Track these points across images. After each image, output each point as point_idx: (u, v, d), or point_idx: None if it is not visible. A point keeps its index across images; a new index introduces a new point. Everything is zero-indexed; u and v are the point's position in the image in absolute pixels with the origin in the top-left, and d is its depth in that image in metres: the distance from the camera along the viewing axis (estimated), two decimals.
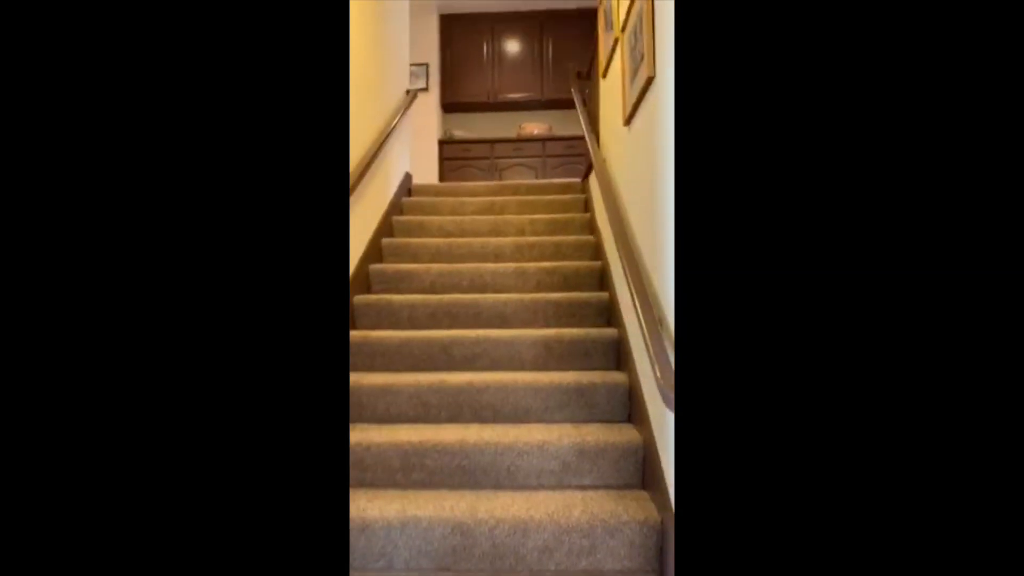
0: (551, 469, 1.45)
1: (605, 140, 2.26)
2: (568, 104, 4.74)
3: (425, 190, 3.16)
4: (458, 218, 2.69)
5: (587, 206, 2.82)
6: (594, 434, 1.49)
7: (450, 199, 2.92)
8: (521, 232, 2.67)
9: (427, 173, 4.50)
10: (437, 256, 2.49)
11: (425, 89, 4.54)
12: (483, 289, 2.27)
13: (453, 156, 4.55)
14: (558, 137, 4.48)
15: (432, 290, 2.28)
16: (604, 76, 2.23)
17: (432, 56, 4.56)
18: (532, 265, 2.26)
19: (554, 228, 2.66)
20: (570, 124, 4.88)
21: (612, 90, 2.03)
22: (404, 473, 1.46)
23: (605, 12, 2.13)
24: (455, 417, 1.66)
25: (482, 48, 4.69)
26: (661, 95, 1.26)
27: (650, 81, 1.32)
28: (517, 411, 1.65)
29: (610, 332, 1.85)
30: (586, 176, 2.91)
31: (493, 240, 2.48)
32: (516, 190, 3.11)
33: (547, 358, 1.84)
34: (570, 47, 4.64)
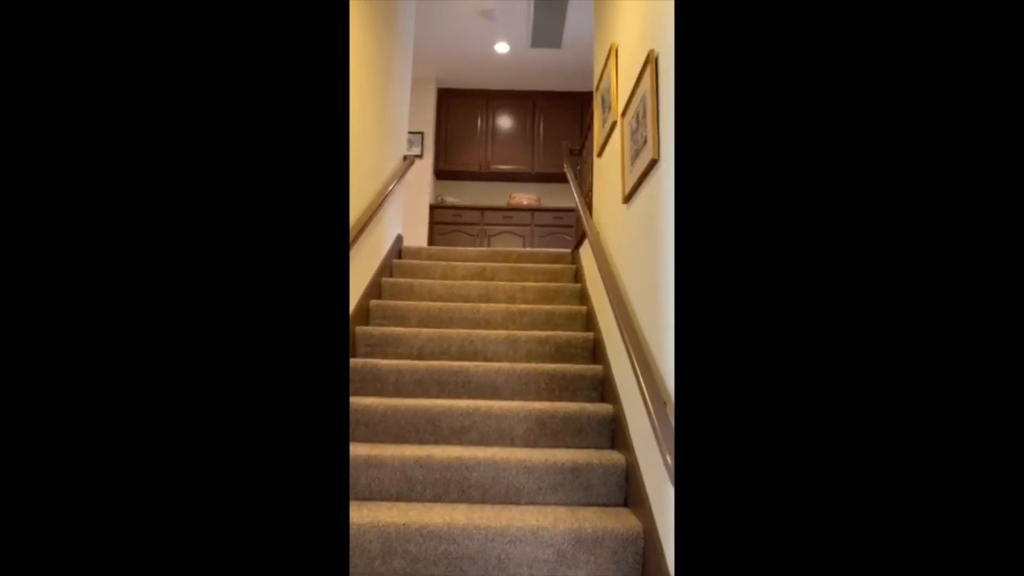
0: (545, 559, 1.35)
1: (599, 214, 2.34)
2: (556, 178, 4.96)
3: (416, 253, 3.18)
4: (448, 282, 2.69)
5: (577, 276, 2.87)
6: (591, 519, 1.41)
7: (441, 263, 2.94)
8: (512, 299, 2.67)
9: (417, 236, 4.56)
10: (427, 320, 2.45)
11: (419, 156, 4.71)
12: (473, 356, 2.22)
13: (443, 221, 4.64)
14: (546, 208, 4.64)
15: (420, 355, 2.23)
16: (600, 155, 2.34)
17: (428, 125, 4.78)
18: (524, 333, 2.25)
19: (545, 296, 2.68)
20: (558, 197, 5.08)
21: (608, 168, 2.13)
22: (384, 560, 1.34)
23: (603, 95, 2.28)
24: (441, 495, 1.56)
25: (476, 121, 4.94)
26: (664, 179, 1.32)
27: (654, 164, 1.39)
28: (508, 491, 1.56)
29: (605, 408, 1.81)
30: (577, 246, 2.99)
31: (484, 306, 2.47)
32: (507, 257, 3.16)
33: (539, 434, 1.78)
34: (561, 126, 4.92)
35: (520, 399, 1.99)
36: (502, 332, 2.25)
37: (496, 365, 2.02)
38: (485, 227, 4.62)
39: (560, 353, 2.23)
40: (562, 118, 4.94)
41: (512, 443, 1.77)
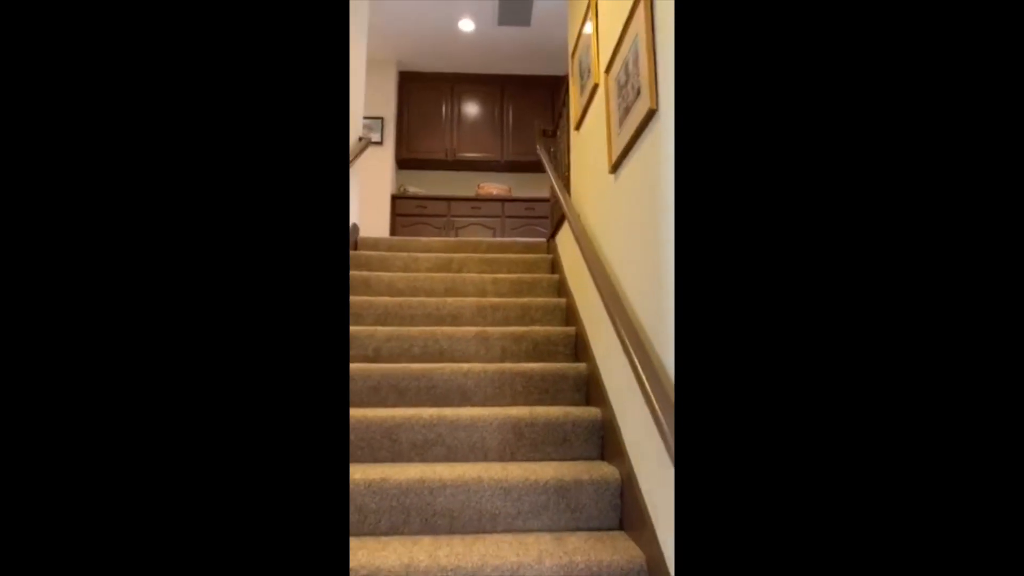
0: None
1: (579, 194, 2.10)
2: (528, 167, 4.72)
3: (374, 244, 2.88)
4: (411, 275, 2.41)
5: (555, 266, 2.63)
6: (583, 550, 1.16)
7: (402, 254, 2.65)
8: (483, 292, 2.41)
9: (377, 229, 4.24)
10: (384, 318, 2.16)
11: (379, 143, 4.39)
12: (438, 357, 1.95)
13: (407, 212, 4.33)
14: (518, 198, 4.40)
15: (376, 358, 1.94)
16: (578, 128, 2.11)
17: (388, 111, 4.46)
18: (496, 330, 1.99)
19: (519, 289, 2.42)
20: (530, 186, 4.84)
21: (590, 140, 1.90)
22: None
23: (580, 60, 2.05)
24: (400, 526, 1.28)
25: (440, 107, 4.65)
26: (664, 133, 1.09)
27: (651, 115, 1.16)
28: (482, 518, 1.30)
29: (592, 412, 1.57)
30: (553, 234, 2.75)
31: (451, 300, 2.20)
32: (476, 247, 2.89)
33: (517, 445, 1.52)
34: (531, 112, 4.69)
35: (493, 405, 1.73)
36: (471, 329, 1.98)
37: (465, 366, 1.75)
38: (452, 219, 4.34)
39: (538, 351, 1.98)
40: (533, 104, 4.70)
41: (485, 457, 1.51)
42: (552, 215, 2.95)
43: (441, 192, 4.75)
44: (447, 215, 4.34)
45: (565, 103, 2.64)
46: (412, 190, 4.49)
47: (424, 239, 2.90)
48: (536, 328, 2.02)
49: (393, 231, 4.31)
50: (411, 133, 4.59)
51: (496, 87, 4.73)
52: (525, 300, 2.22)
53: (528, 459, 1.52)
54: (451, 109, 4.66)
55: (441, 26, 4.12)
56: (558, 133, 2.98)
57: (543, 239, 2.97)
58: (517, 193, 4.78)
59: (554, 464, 1.44)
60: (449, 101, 4.68)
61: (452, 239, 2.90)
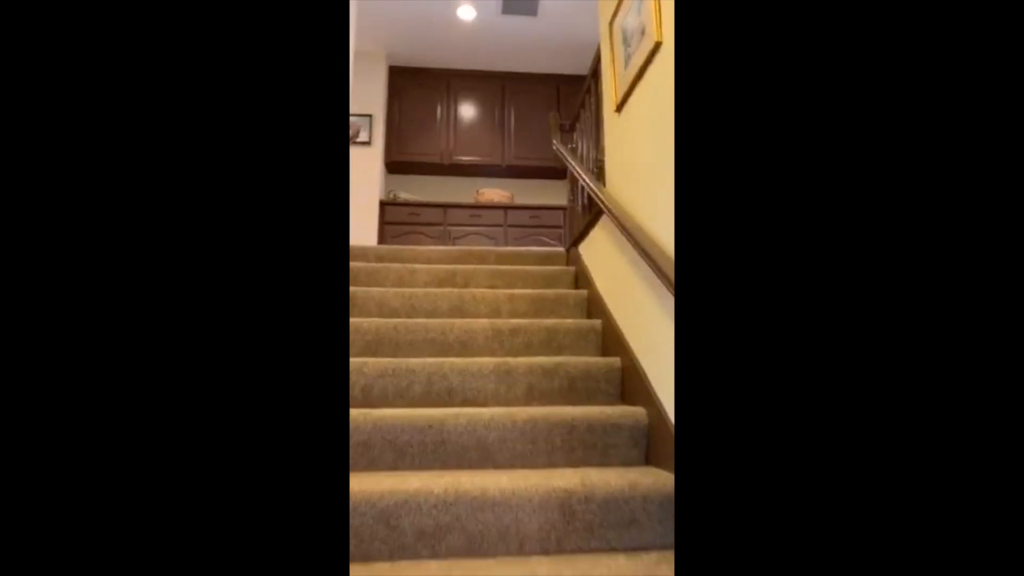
0: None
1: (621, 190, 1.71)
2: (532, 173, 4.36)
3: (361, 253, 2.45)
4: (407, 291, 1.99)
5: (579, 280, 2.23)
6: None
7: (395, 265, 2.23)
8: (496, 311, 1.99)
9: (363, 238, 3.81)
10: (375, 345, 1.73)
11: (367, 143, 3.98)
12: (447, 399, 1.52)
13: (397, 220, 3.91)
14: (521, 206, 4.01)
15: (366, 401, 1.50)
16: (619, 109, 1.73)
17: (377, 108, 4.06)
18: (520, 361, 1.57)
19: (541, 307, 2.01)
20: (535, 193, 4.46)
21: (640, 122, 1.51)
22: None
23: (622, 29, 1.68)
24: None
25: (436, 106, 4.28)
26: None
27: None
28: None
29: (661, 478, 1.16)
30: (575, 244, 2.35)
31: (459, 323, 1.77)
32: (483, 258, 2.48)
33: (566, 531, 1.09)
34: (535, 113, 4.33)
35: (526, 465, 1.30)
36: (488, 361, 1.56)
37: (485, 413, 1.33)
38: (449, 227, 3.93)
39: (575, 389, 1.56)
40: (536, 104, 4.35)
41: (521, 550, 1.08)
42: (570, 222, 2.56)
43: (436, 198, 4.34)
44: (443, 223, 3.93)
45: (590, 90, 2.27)
46: (403, 196, 4.08)
47: (422, 248, 2.48)
48: (569, 359, 1.61)
49: (381, 241, 3.88)
50: (402, 134, 4.19)
51: (496, 85, 4.38)
52: (551, 322, 1.81)
53: (584, 550, 1.09)
54: (447, 108, 4.29)
55: (437, 14, 3.76)
56: (577, 127, 2.60)
57: (560, 248, 2.56)
58: (520, 200, 4.40)
59: (623, 559, 1.01)
60: (445, 100, 4.31)
61: (455, 248, 2.49)
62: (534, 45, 4.11)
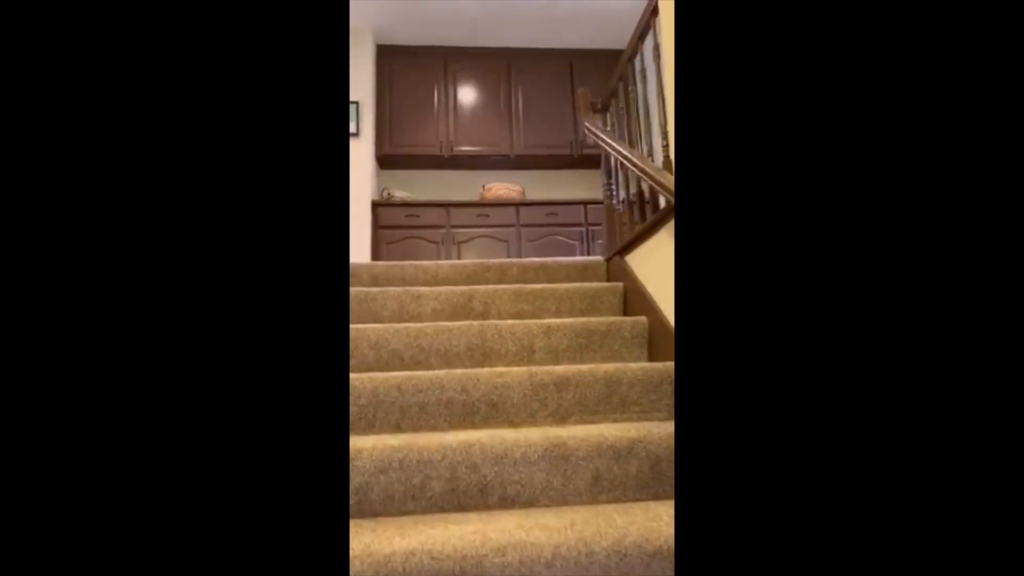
0: None
1: None
2: (545, 163, 3.89)
3: (354, 275, 2.00)
4: (412, 327, 1.54)
5: (630, 301, 1.78)
6: None
7: (395, 290, 1.77)
8: (530, 351, 1.54)
9: (354, 249, 3.35)
10: (372, 412, 1.28)
11: (355, 135, 3.51)
12: (479, 501, 1.07)
13: (393, 223, 3.45)
14: (536, 202, 3.55)
15: (361, 507, 1.05)
16: None
17: (365, 95, 3.59)
18: (577, 435, 1.12)
19: (588, 342, 1.56)
20: (549, 186, 4.00)
21: None
22: None
23: None
24: None
25: (432, 90, 3.81)
26: None
27: None
28: None
29: None
30: (619, 253, 1.90)
31: (484, 373, 1.32)
32: (504, 272, 2.03)
33: None
34: (545, 94, 3.86)
35: None
36: (533, 436, 1.11)
37: (542, 540, 0.88)
38: (453, 230, 3.47)
39: (662, 478, 1.12)
40: (547, 85, 3.88)
41: None
42: (609, 225, 2.10)
43: (437, 196, 3.88)
44: (446, 226, 3.48)
45: (636, 56, 1.80)
46: (399, 195, 3.61)
47: (426, 264, 2.02)
48: (645, 427, 1.16)
49: (375, 249, 3.43)
50: (395, 123, 3.72)
51: (501, 63, 3.90)
52: (609, 368, 1.36)
53: None
54: (445, 92, 3.81)
55: None
56: (614, 105, 2.14)
57: (596, 257, 2.12)
58: (533, 194, 3.94)
59: None
60: (443, 82, 3.83)
61: (468, 263, 2.03)
62: (542, 15, 3.63)
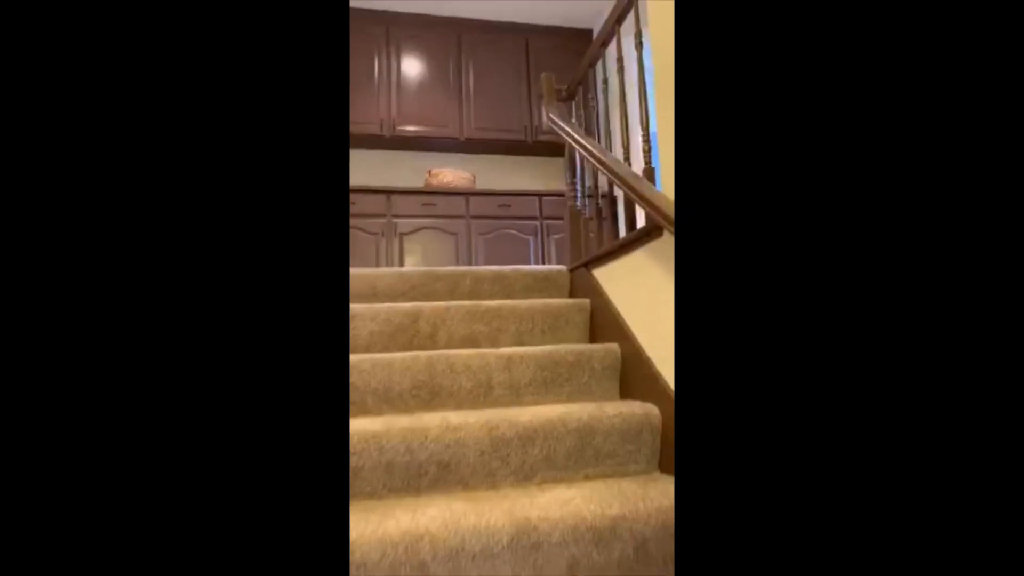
0: None
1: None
2: (498, 147, 3.63)
3: None
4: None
5: (599, 324, 1.59)
6: None
7: None
8: (487, 389, 1.33)
9: None
10: None
11: None
12: None
13: None
14: (488, 192, 3.30)
15: None
16: None
17: None
18: (550, 514, 0.93)
19: (554, 377, 1.37)
20: (502, 173, 3.75)
21: None
22: None
23: None
24: None
25: (371, 60, 3.43)
26: None
27: None
28: None
29: None
30: (586, 265, 1.71)
31: (433, 422, 1.10)
32: (456, 283, 1.79)
33: None
34: (499, 71, 3.58)
35: None
36: (494, 512, 0.91)
37: None
38: (395, 220, 3.17)
39: (649, 560, 0.94)
40: (502, 61, 3.60)
41: None
42: (574, 230, 1.91)
43: (376, 181, 3.55)
44: (387, 215, 3.17)
45: (612, 40, 1.59)
46: None
47: (363, 273, 1.75)
48: (631, 502, 0.99)
49: None
50: None
51: (451, 34, 3.58)
52: (582, 414, 1.17)
53: None
54: (387, 64, 3.45)
55: None
56: (580, 93, 1.92)
57: (558, 266, 1.92)
58: (484, 182, 3.69)
59: None
60: (384, 52, 3.46)
61: (413, 272, 1.78)
62: None
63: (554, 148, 3.62)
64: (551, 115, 1.83)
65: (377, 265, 3.08)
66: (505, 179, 3.74)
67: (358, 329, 1.49)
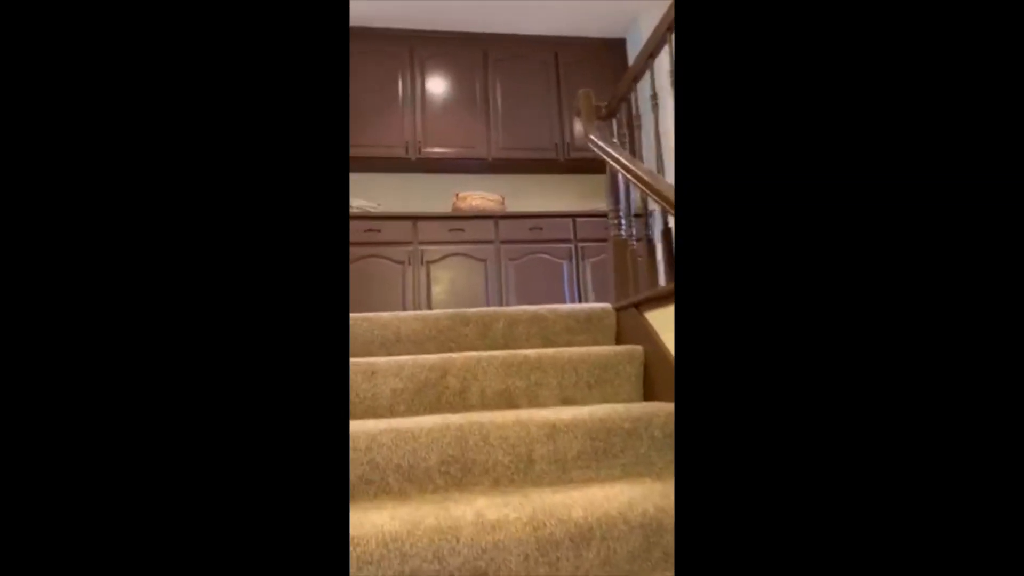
0: None
1: None
2: (527, 167, 3.48)
3: None
4: (362, 432, 1.11)
5: (650, 374, 1.38)
6: None
7: None
8: (527, 465, 1.14)
9: None
10: None
11: None
12: None
13: (351, 241, 2.98)
14: (518, 214, 3.13)
15: None
16: None
17: None
18: None
19: (607, 448, 1.17)
20: (531, 194, 3.59)
21: None
22: None
23: None
24: None
25: (396, 80, 3.33)
26: None
27: None
28: None
29: None
30: (637, 306, 1.50)
31: (464, 531, 0.91)
32: (487, 327, 1.61)
33: None
34: (527, 89, 3.44)
35: None
36: None
37: None
38: (421, 247, 3.02)
39: None
40: (530, 76, 3.46)
41: None
42: (619, 263, 1.71)
43: (402, 206, 3.43)
44: (413, 242, 3.03)
45: (663, 49, 1.40)
46: (357, 204, 3.14)
47: (384, 318, 1.59)
48: None
49: None
50: (353, 118, 3.24)
51: (477, 50, 3.45)
52: (648, 510, 0.96)
53: None
54: (412, 82, 3.35)
55: None
56: (623, 109, 1.74)
57: (602, 305, 1.72)
58: (514, 204, 3.53)
59: None
60: (408, 70, 3.36)
61: (439, 315, 1.61)
62: None
63: (587, 165, 3.44)
64: (592, 136, 1.65)
65: (403, 295, 2.94)
66: (536, 200, 3.57)
67: (379, 387, 1.32)
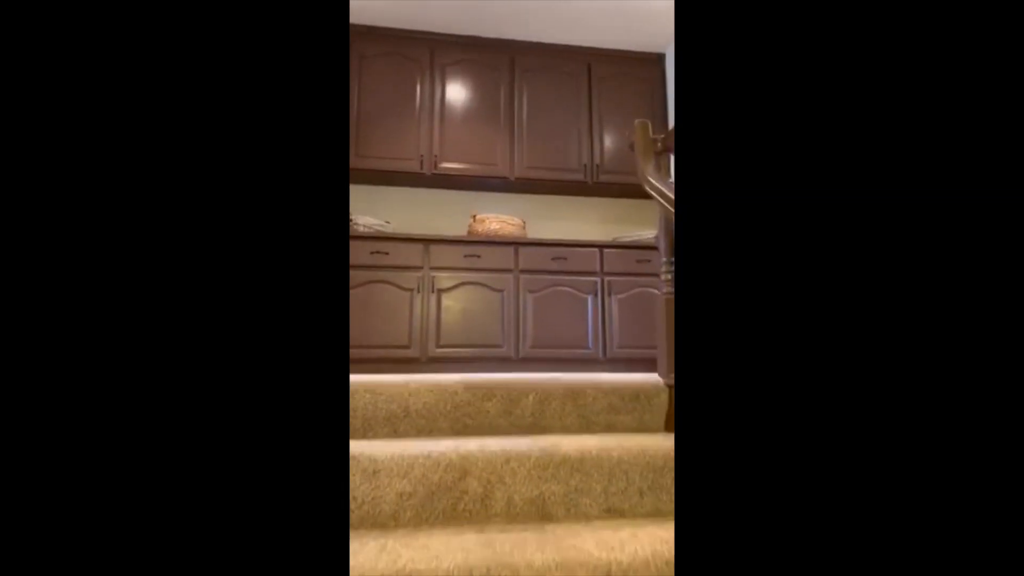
0: None
1: None
2: (553, 188, 3.22)
3: None
4: (358, 568, 0.85)
5: None
6: None
7: None
8: None
9: None
10: None
11: None
12: None
13: (354, 261, 2.73)
14: (539, 242, 2.88)
15: None
16: None
17: None
18: None
19: None
20: (555, 218, 3.33)
21: None
22: None
23: None
24: None
25: (413, 87, 3.09)
26: None
27: None
28: None
29: None
30: None
31: None
32: (513, 404, 1.35)
33: None
34: (556, 103, 3.19)
35: None
36: None
37: None
38: (433, 273, 2.77)
39: None
40: (560, 89, 3.21)
41: None
42: (672, 327, 1.45)
43: (413, 225, 3.18)
44: (424, 267, 2.78)
45: None
46: (364, 222, 2.89)
47: (388, 383, 1.33)
48: None
49: None
50: (364, 126, 3.00)
51: (503, 59, 3.21)
52: None
53: None
54: (430, 90, 3.10)
55: None
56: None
57: (652, 377, 1.46)
58: (536, 229, 3.27)
59: None
60: (427, 77, 3.12)
61: (455, 383, 1.35)
62: (557, 1, 2.95)
63: (615, 189, 3.18)
64: (650, 177, 1.40)
65: (410, 326, 2.69)
66: (560, 225, 3.32)
67: (382, 489, 1.07)
